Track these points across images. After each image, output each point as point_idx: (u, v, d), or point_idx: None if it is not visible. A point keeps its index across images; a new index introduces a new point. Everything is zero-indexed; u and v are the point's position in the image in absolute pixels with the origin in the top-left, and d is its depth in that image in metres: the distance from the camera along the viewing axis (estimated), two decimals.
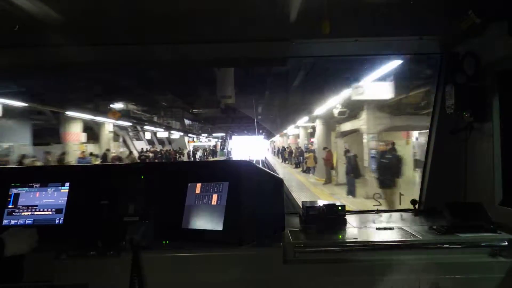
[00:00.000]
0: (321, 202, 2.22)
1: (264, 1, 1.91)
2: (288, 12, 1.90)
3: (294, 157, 27.83)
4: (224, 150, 44.47)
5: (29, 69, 4.35)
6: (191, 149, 38.17)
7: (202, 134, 45.15)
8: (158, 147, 33.11)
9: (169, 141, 36.05)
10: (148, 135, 31.48)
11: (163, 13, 1.92)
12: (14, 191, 2.06)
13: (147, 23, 2.03)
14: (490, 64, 2.08)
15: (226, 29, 2.12)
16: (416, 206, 2.41)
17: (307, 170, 21.68)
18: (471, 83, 2.16)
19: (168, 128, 28.73)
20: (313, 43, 2.30)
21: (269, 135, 45.84)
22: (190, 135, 39.38)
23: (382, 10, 1.94)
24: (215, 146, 48.13)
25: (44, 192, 2.06)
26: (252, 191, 1.90)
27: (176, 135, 33.74)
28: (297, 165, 26.37)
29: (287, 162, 31.94)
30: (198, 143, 45.63)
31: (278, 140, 45.57)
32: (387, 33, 2.14)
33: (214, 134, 47.27)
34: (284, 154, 35.05)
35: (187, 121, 31.71)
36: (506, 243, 1.76)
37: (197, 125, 38.34)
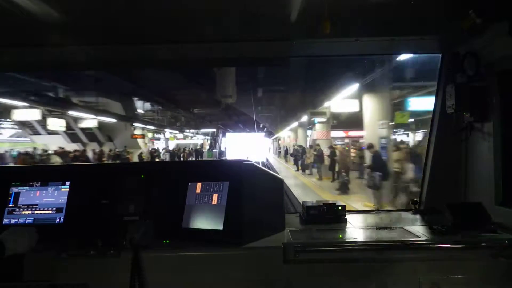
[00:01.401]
0: (321, 202, 2.23)
1: (264, 1, 1.91)
2: (289, 12, 1.89)
3: (342, 168, 13.55)
4: (214, 150, 34.11)
5: (29, 69, 4.35)
6: (149, 149, 24.30)
7: (186, 130, 35.12)
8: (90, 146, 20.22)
9: (109, 136, 21.55)
10: (57, 125, 17.60)
11: (163, 13, 1.92)
12: (14, 190, 2.07)
13: (147, 23, 2.03)
14: (491, 64, 2.07)
15: (226, 29, 2.12)
16: (416, 206, 2.42)
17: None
18: (472, 83, 2.16)
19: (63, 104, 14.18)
20: (313, 43, 2.30)
21: (270, 134, 42.96)
22: (139, 125, 22.99)
23: (382, 10, 1.94)
24: (202, 145, 39.19)
25: (44, 191, 2.06)
26: (252, 191, 1.90)
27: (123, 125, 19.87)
28: (344, 186, 12.44)
29: (306, 171, 19.67)
30: (176, 141, 35.27)
31: (288, 136, 34.46)
32: (387, 33, 2.14)
33: (202, 130, 38.57)
34: (305, 159, 19.81)
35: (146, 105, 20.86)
36: (506, 243, 1.76)
37: (166, 114, 27.40)
